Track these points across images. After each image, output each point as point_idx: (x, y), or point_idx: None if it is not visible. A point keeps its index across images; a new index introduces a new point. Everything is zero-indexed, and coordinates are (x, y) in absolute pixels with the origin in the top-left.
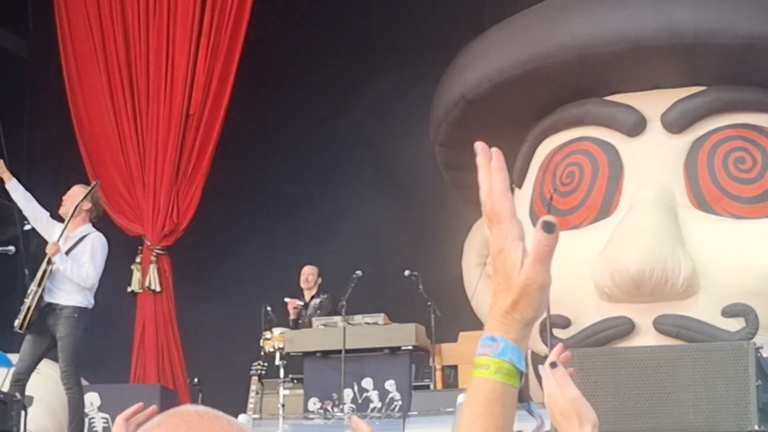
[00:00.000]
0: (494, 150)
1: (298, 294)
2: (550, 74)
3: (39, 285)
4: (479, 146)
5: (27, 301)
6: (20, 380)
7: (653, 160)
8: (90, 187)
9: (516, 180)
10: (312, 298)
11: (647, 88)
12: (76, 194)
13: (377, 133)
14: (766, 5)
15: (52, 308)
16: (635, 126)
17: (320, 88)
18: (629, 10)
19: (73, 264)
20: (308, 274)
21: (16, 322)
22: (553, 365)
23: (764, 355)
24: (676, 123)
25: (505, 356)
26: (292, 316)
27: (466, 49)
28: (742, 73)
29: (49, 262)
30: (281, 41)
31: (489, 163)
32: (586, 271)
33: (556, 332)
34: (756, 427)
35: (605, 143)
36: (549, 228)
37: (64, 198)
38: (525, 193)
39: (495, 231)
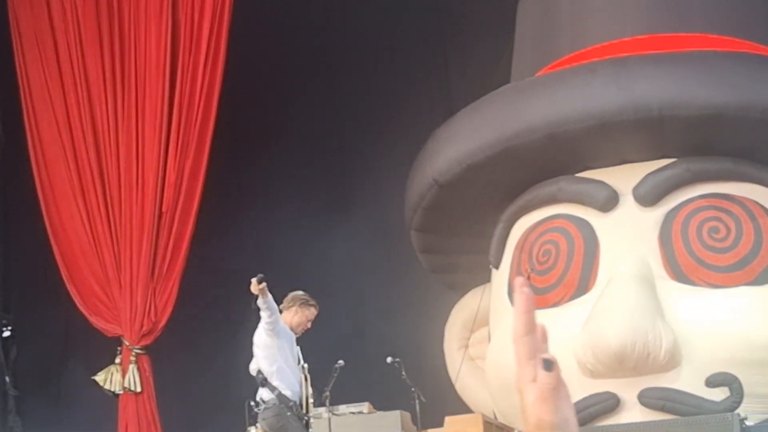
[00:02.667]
0: (521, 290)
1: None
2: (520, 154)
3: None
4: (518, 282)
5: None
6: None
7: (628, 233)
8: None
9: (493, 261)
10: None
11: (617, 163)
12: None
13: (352, 218)
14: (728, 75)
15: None
16: (608, 201)
17: (293, 178)
18: (593, 88)
19: None
20: None
21: None
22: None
23: (749, 424)
24: (648, 196)
25: None
26: None
27: (436, 133)
28: (709, 143)
29: None
30: (250, 136)
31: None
32: (567, 348)
33: None
34: None
35: (579, 220)
36: (549, 366)
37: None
38: (502, 274)
39: (517, 372)
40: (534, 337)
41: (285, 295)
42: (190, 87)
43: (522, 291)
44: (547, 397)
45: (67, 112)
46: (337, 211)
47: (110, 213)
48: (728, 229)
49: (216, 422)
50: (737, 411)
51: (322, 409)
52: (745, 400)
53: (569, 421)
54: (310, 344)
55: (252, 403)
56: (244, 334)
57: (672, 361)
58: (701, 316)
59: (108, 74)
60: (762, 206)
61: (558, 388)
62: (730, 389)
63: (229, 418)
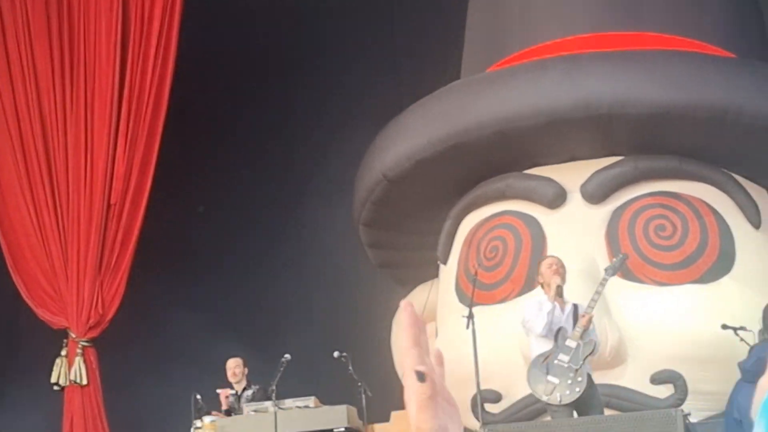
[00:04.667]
0: (405, 308)
1: (230, 384)
2: (469, 150)
3: None
4: (402, 303)
5: None
6: None
7: (575, 230)
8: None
9: (441, 257)
10: (244, 389)
11: (566, 160)
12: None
13: (301, 212)
14: (676, 75)
15: None
16: (555, 198)
17: (243, 173)
18: (544, 85)
19: None
20: (234, 368)
21: None
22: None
23: (693, 420)
24: (595, 193)
25: None
26: (224, 407)
27: (386, 128)
28: (657, 141)
29: None
30: (201, 130)
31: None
32: (514, 344)
33: (488, 407)
34: None
35: (527, 216)
36: (421, 377)
37: None
38: (450, 269)
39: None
40: (420, 350)
41: (233, 285)
42: (140, 79)
43: (406, 308)
44: (423, 406)
45: (15, 103)
46: (288, 204)
47: (57, 204)
48: (674, 228)
49: (162, 416)
50: (681, 407)
51: (268, 403)
52: (689, 397)
53: (448, 429)
54: (258, 339)
55: (198, 397)
56: (191, 327)
57: (617, 358)
58: (647, 313)
59: (57, 65)
60: (708, 205)
61: (433, 397)
62: (675, 386)
63: (176, 411)
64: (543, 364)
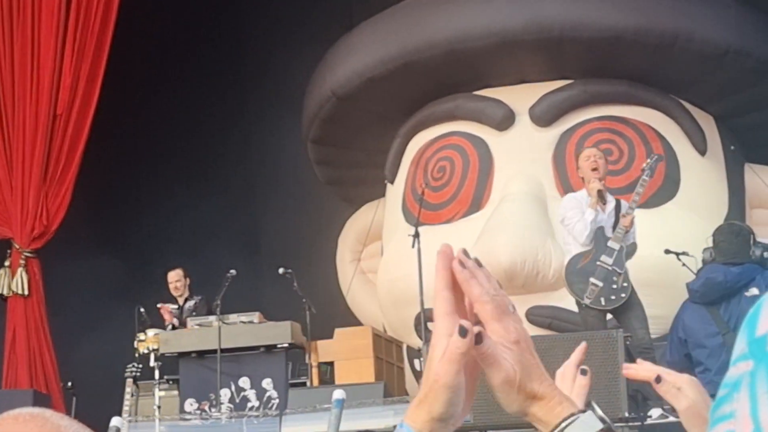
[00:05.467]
0: (442, 250)
1: (173, 299)
2: (419, 70)
3: None
4: (442, 247)
5: None
6: None
7: (522, 153)
8: None
9: (388, 175)
10: (186, 301)
11: (516, 82)
12: None
13: (249, 129)
14: (628, 0)
15: None
16: (504, 120)
17: (191, 89)
18: (497, 6)
19: None
20: (175, 281)
21: None
22: (584, 372)
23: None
24: (543, 116)
25: None
26: (167, 322)
27: (336, 45)
28: (607, 66)
29: None
30: (151, 42)
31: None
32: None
33: (431, 326)
34: (626, 414)
35: (475, 137)
36: (463, 333)
37: None
38: (397, 188)
39: (434, 325)
40: (452, 293)
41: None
42: None
43: (442, 251)
44: (453, 360)
45: None
46: (234, 120)
47: (3, 114)
48: (621, 152)
49: (105, 328)
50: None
51: (212, 318)
52: None
53: (461, 388)
54: (204, 255)
55: (142, 310)
56: (137, 241)
57: (561, 281)
58: None
59: None
60: (655, 130)
61: (466, 354)
62: None
63: (121, 324)
64: (582, 265)
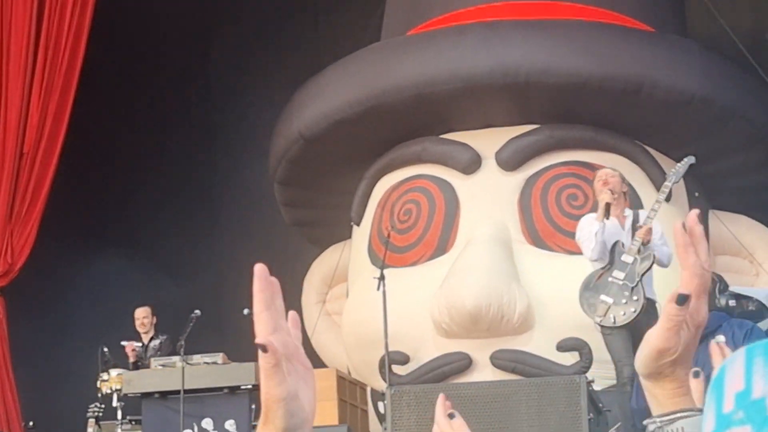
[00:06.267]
0: (256, 268)
1: (137, 337)
2: (386, 113)
3: None
4: (256, 268)
5: None
6: None
7: (488, 197)
8: None
9: (354, 217)
10: (151, 339)
11: (482, 126)
12: None
13: (214, 167)
14: (594, 46)
15: None
16: (470, 164)
17: (158, 127)
18: (463, 50)
19: None
20: (142, 318)
21: None
22: (696, 374)
23: (597, 388)
24: (510, 160)
25: None
26: (131, 359)
27: (304, 86)
28: (573, 111)
29: None
30: (119, 80)
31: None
32: (424, 307)
33: (395, 368)
34: None
35: (442, 181)
36: (263, 349)
37: None
38: (363, 230)
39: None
40: (272, 314)
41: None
42: (57, 27)
43: (259, 273)
44: (268, 375)
45: None
46: (203, 160)
47: None
48: (586, 197)
49: (70, 369)
50: (585, 374)
51: (176, 358)
52: (594, 365)
53: (299, 396)
54: (167, 294)
55: (105, 350)
56: (102, 279)
57: (525, 324)
58: (555, 281)
59: None
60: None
61: (278, 365)
62: (581, 354)
63: (84, 364)
64: (596, 282)
